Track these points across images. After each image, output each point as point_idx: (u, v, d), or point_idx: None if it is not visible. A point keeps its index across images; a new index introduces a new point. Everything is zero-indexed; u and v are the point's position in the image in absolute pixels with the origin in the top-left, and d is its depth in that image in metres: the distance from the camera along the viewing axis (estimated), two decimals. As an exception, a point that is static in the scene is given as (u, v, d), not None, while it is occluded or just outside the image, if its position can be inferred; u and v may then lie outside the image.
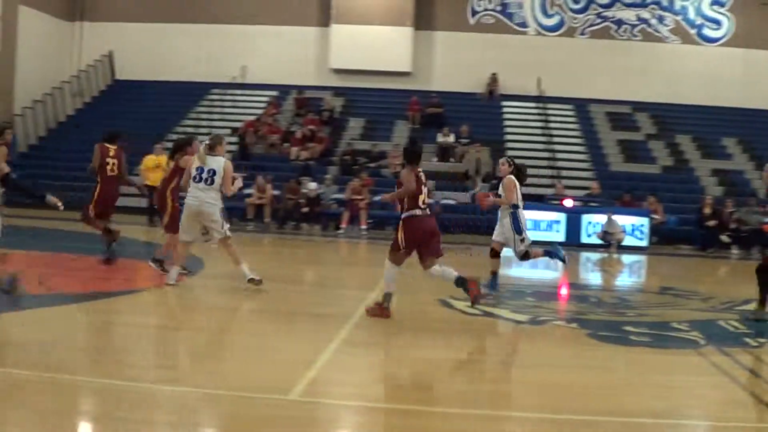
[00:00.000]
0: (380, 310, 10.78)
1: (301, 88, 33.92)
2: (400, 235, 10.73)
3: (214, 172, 12.23)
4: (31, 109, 32.73)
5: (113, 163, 14.66)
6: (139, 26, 36.79)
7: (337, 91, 34.62)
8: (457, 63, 34.91)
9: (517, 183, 13.35)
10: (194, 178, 12.27)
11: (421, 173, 10.95)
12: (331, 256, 13.05)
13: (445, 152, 29.30)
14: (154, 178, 22.92)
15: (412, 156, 11.11)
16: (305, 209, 24.38)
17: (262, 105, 33.73)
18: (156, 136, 30.09)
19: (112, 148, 14.80)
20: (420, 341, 9.83)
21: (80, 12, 38.09)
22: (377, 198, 22.99)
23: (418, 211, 10.75)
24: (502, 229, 13.45)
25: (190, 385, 7.52)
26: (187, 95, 34.56)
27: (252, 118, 32.21)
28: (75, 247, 14.92)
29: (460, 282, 10.85)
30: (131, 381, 7.55)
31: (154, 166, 23.12)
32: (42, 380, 7.47)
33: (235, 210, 24.24)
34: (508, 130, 32.42)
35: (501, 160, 13.91)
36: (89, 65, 36.92)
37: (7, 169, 14.21)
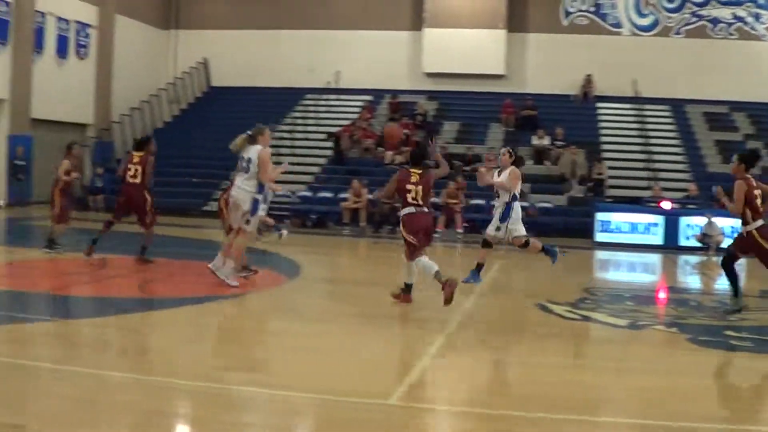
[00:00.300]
0: (404, 297, 11.76)
1: (394, 92, 33.96)
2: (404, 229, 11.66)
3: (250, 160, 12.54)
4: (128, 116, 33.37)
5: (135, 170, 15.06)
6: (233, 33, 37.26)
7: (431, 95, 34.58)
8: (550, 65, 34.58)
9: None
10: (237, 167, 12.67)
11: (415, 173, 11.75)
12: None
13: (540, 155, 29.08)
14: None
15: (412, 158, 12.25)
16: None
17: (357, 109, 33.87)
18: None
19: (136, 155, 15.25)
20: (518, 345, 9.78)
21: (175, 20, 38.76)
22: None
23: (412, 209, 11.66)
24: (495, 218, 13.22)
25: (289, 388, 7.56)
26: (281, 101, 34.87)
27: (346, 122, 32.36)
28: (176, 252, 15.19)
29: (438, 276, 11.25)
30: (229, 384, 7.66)
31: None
32: (140, 382, 7.64)
33: (330, 214, 24.42)
34: (604, 131, 32.02)
35: (502, 150, 13.75)
36: (185, 72, 37.53)
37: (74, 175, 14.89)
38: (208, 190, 28.41)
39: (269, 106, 34.39)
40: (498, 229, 12.90)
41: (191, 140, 32.11)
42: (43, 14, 30.37)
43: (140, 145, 15.58)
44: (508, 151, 13.50)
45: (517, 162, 13.26)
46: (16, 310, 11.25)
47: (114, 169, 30.16)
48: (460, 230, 23.88)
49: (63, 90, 31.35)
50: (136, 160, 15.15)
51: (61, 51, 31.73)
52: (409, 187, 11.79)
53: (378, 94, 34.82)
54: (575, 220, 24.66)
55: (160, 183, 26.24)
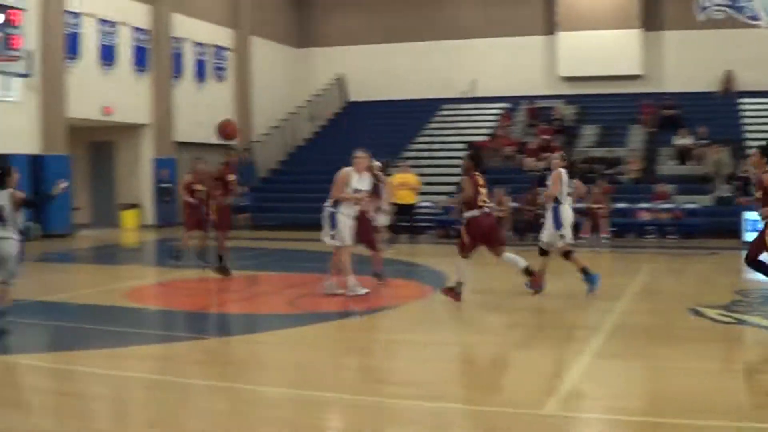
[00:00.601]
0: (452, 294, 12.30)
1: (531, 98, 33.67)
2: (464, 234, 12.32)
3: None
4: (269, 135, 33.97)
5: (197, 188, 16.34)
6: (367, 48, 37.57)
7: (568, 99, 34.11)
8: (688, 62, 33.73)
9: (565, 178, 13.28)
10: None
11: (479, 177, 12.39)
12: (573, 266, 12.89)
13: (683, 155, 28.38)
14: (401, 196, 23.29)
15: (472, 161, 12.76)
16: (544, 220, 24.07)
17: (494, 117, 33.70)
18: (391, 154, 30.64)
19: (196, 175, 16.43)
20: (672, 351, 9.51)
21: (309, 38, 39.33)
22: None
23: (476, 212, 12.21)
24: (546, 224, 13.46)
25: (442, 400, 7.55)
26: (418, 112, 34.94)
27: (484, 131, 32.26)
28: (322, 267, 15.31)
29: (527, 272, 12.52)
30: (381, 397, 7.66)
31: (400, 183, 23.45)
32: (293, 397, 7.72)
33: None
34: (748, 128, 31.03)
35: (554, 155, 13.97)
36: (322, 89, 38.02)
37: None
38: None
39: (406, 118, 34.51)
40: (562, 237, 13.16)
41: (330, 156, 32.42)
42: (180, 40, 31.20)
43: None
44: (561, 156, 13.76)
45: (571, 167, 13.48)
46: (169, 328, 11.56)
47: (257, 188, 30.82)
48: (605, 235, 23.46)
49: (203, 112, 32.11)
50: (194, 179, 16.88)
51: (200, 74, 32.55)
52: (480, 190, 12.40)
53: (515, 100, 34.52)
54: (722, 220, 23.92)
55: (301, 199, 26.64)
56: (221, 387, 8.13)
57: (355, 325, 11.29)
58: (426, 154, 30.38)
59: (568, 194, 13.48)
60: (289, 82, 38.24)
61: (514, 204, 24.51)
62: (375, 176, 14.08)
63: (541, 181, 25.28)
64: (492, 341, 10.27)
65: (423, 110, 34.99)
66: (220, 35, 33.57)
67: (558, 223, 13.15)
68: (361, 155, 13.47)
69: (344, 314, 11.95)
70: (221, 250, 15.48)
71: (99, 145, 30.30)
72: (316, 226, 16.29)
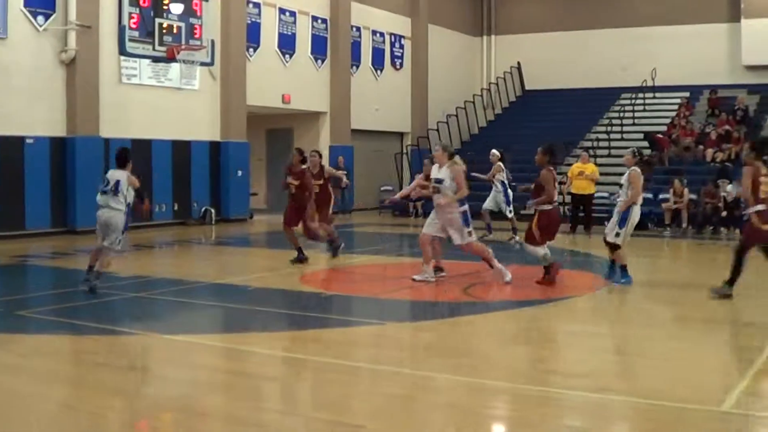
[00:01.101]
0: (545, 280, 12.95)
1: (712, 88, 32.54)
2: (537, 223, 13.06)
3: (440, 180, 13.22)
4: (445, 123, 33.97)
5: (293, 183, 15.64)
6: (546, 36, 37.17)
7: (751, 89, 32.81)
8: None
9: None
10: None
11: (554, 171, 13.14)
12: (754, 262, 12.30)
13: None
14: (579, 186, 22.95)
15: (551, 156, 13.55)
16: (724, 213, 23.29)
17: (673, 107, 32.73)
18: (567, 144, 30.20)
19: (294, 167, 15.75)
20: None
21: (487, 26, 39.18)
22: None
23: (550, 206, 13.11)
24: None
25: (613, 392, 7.38)
26: (596, 101, 34.35)
27: (663, 121, 31.42)
28: (499, 256, 15.23)
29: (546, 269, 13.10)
30: (551, 387, 7.53)
31: (578, 173, 23.10)
32: (462, 384, 7.66)
33: (651, 215, 23.70)
34: None
35: (627, 152, 14.27)
36: (498, 77, 37.80)
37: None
38: (526, 194, 28.35)
39: (583, 107, 33.98)
40: (617, 235, 13.32)
41: (506, 145, 32.20)
42: (358, 29, 31.53)
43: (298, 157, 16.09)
44: (632, 152, 13.96)
45: (644, 164, 13.91)
46: (341, 313, 11.68)
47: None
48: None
49: (380, 100, 32.42)
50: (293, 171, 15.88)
51: (377, 63, 32.81)
52: (556, 185, 13.45)
53: (695, 90, 33.47)
54: None
55: (476, 187, 26.49)
56: (391, 372, 8.15)
57: (526, 315, 11.14)
58: (604, 144, 29.75)
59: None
60: (465, 71, 38.23)
61: (693, 196, 23.74)
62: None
63: (721, 173, 24.56)
64: (662, 335, 9.95)
65: (601, 99, 34.38)
66: (397, 24, 33.78)
67: (622, 223, 13.39)
68: (436, 150, 13.61)
69: (516, 304, 11.82)
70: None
71: (277, 132, 30.95)
72: (493, 215, 16.24)
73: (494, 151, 20.84)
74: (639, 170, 13.49)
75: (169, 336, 9.78)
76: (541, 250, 13.06)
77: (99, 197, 12.56)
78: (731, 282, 11.71)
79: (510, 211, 20.43)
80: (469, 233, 13.16)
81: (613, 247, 13.42)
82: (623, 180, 13.60)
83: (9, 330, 9.91)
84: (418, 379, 7.86)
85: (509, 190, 20.56)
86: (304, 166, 15.72)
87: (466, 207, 13.18)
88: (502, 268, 13.33)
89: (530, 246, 13.13)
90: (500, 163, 20.45)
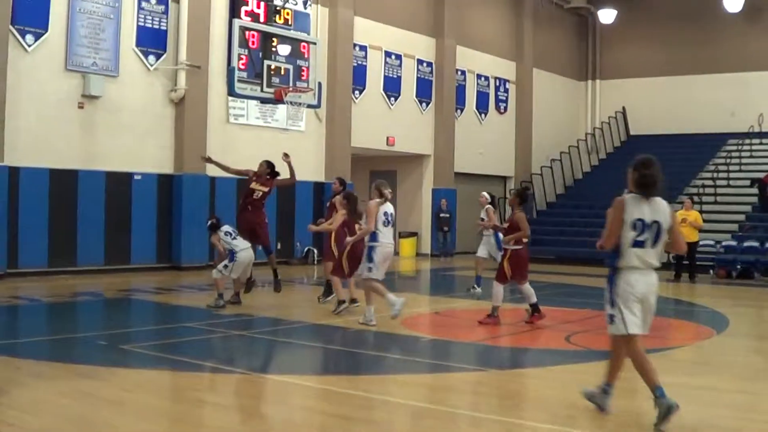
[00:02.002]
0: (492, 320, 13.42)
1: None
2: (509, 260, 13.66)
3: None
4: (548, 167, 33.75)
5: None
6: (651, 80, 36.78)
7: None
8: None
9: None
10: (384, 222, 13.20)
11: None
12: None
13: None
14: (682, 233, 22.51)
15: (521, 199, 14.01)
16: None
17: (782, 153, 32.03)
18: (672, 189, 29.73)
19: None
20: None
21: (592, 71, 38.94)
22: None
23: (520, 246, 13.67)
24: None
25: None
26: (702, 147, 33.77)
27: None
28: (601, 304, 15.01)
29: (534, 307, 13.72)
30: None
31: (681, 220, 22.69)
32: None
33: (757, 264, 23.12)
34: None
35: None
36: (603, 122, 37.47)
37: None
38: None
39: (689, 153, 33.42)
40: None
41: (610, 190, 31.79)
42: (463, 72, 31.61)
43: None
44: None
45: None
46: (441, 358, 11.58)
47: (535, 221, 30.63)
48: None
49: (483, 144, 32.38)
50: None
51: (482, 107, 32.83)
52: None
53: (804, 135, 32.74)
54: None
55: (582, 233, 26.24)
56: (489, 419, 8.04)
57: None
58: (710, 190, 29.18)
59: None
60: (570, 115, 38.02)
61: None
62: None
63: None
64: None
65: (707, 145, 33.83)
66: (502, 68, 33.79)
67: None
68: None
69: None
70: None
71: (381, 174, 31.09)
72: (594, 261, 15.97)
73: (484, 193, 18.87)
74: None
75: (268, 375, 9.82)
76: (499, 292, 13.63)
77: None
78: None
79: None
80: (369, 269, 13.17)
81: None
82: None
83: (112, 364, 10.06)
84: (515, 427, 7.73)
85: (501, 236, 18.94)
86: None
87: (374, 244, 13.12)
88: (395, 300, 13.12)
89: (498, 286, 13.63)
90: (491, 206, 18.56)
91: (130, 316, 15.28)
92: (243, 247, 14.67)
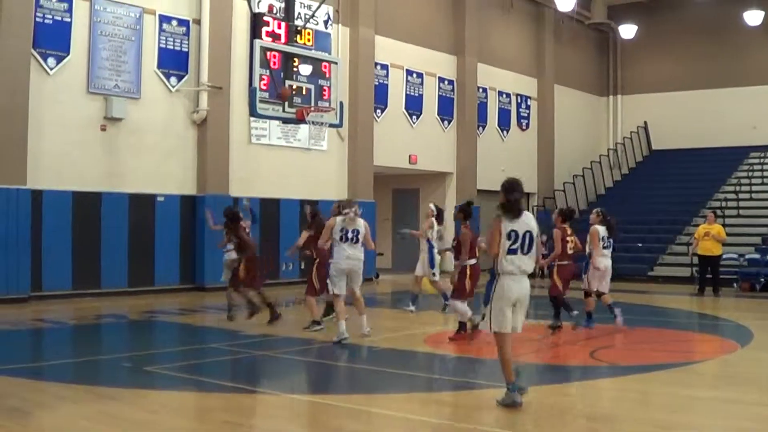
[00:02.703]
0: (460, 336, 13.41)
1: None
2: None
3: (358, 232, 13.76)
4: (571, 183, 33.68)
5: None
6: (673, 95, 36.66)
7: None
8: None
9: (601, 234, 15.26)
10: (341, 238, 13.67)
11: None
12: None
13: None
14: (705, 247, 22.46)
15: (465, 214, 14.56)
16: None
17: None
18: (695, 204, 29.64)
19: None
20: None
21: (613, 86, 38.87)
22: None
23: (475, 260, 13.87)
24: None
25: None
26: (724, 161, 33.65)
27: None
28: (626, 319, 15.00)
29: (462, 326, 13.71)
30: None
31: (704, 234, 22.58)
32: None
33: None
34: None
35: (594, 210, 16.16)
36: (625, 137, 37.39)
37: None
38: (653, 255, 27.92)
39: (711, 167, 33.34)
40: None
41: (633, 205, 31.79)
42: (485, 89, 31.61)
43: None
44: (597, 212, 15.87)
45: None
46: (463, 375, 11.55)
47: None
48: None
49: (506, 161, 32.31)
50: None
51: (503, 123, 32.81)
52: (568, 239, 14.90)
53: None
54: None
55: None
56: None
57: (656, 379, 10.83)
58: (732, 204, 29.03)
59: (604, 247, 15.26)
60: (592, 131, 37.96)
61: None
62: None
63: None
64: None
65: (729, 158, 33.71)
66: (523, 84, 33.78)
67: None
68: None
69: (644, 368, 11.51)
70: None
71: (403, 192, 31.10)
72: (619, 275, 15.94)
73: (431, 205, 18.78)
74: (598, 228, 15.34)
75: (294, 395, 9.81)
76: (464, 307, 13.80)
77: None
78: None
79: (434, 274, 18.07)
80: (328, 284, 13.99)
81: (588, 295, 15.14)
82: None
83: (138, 385, 10.08)
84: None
85: (435, 251, 18.20)
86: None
87: (331, 260, 13.85)
88: (342, 330, 13.29)
89: (458, 302, 13.83)
90: (434, 219, 18.24)
91: (154, 338, 15.31)
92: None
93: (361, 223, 13.85)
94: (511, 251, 8.82)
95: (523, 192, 9.20)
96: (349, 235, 13.63)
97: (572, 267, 15.02)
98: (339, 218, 13.74)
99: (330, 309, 15.31)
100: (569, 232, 15.04)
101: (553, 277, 14.91)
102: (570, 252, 14.90)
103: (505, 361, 8.96)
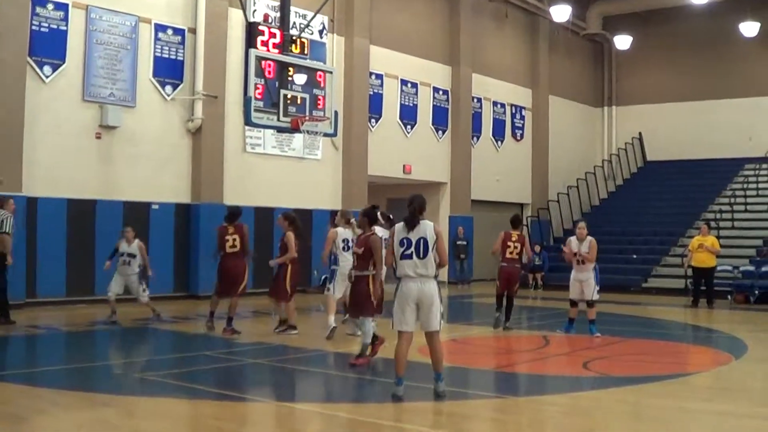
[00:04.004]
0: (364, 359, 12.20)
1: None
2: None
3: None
4: (565, 194, 33.72)
5: (232, 240, 15.45)
6: (668, 106, 36.78)
7: None
8: None
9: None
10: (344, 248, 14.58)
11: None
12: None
13: None
14: (699, 259, 22.49)
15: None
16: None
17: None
18: (689, 215, 29.69)
19: (230, 227, 15.56)
20: None
21: (608, 97, 38.96)
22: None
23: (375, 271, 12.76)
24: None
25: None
26: (719, 172, 33.75)
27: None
28: (619, 330, 15.06)
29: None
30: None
31: (698, 246, 22.61)
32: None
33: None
34: None
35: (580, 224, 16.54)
36: (620, 148, 37.47)
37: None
38: (647, 267, 27.97)
39: (706, 178, 33.42)
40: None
41: (628, 216, 31.86)
42: (479, 100, 31.67)
43: (231, 217, 15.87)
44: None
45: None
46: (457, 385, 11.54)
47: (550, 248, 30.57)
48: None
49: (500, 171, 32.40)
50: (231, 231, 15.59)
51: (498, 134, 32.87)
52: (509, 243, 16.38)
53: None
54: None
55: (600, 260, 26.18)
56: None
57: (650, 392, 10.85)
58: (727, 215, 29.09)
59: None
60: (586, 141, 38.05)
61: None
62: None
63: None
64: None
65: (724, 170, 33.80)
66: (518, 95, 33.86)
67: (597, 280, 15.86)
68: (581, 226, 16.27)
69: (637, 379, 11.53)
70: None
71: (398, 202, 31.08)
72: (613, 287, 16.01)
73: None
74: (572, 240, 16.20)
75: (285, 403, 9.81)
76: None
77: None
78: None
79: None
80: (328, 288, 15.15)
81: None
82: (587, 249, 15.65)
83: (131, 392, 10.09)
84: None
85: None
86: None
87: (335, 267, 14.97)
88: (331, 322, 14.53)
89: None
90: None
91: (147, 345, 15.31)
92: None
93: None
94: (405, 256, 9.71)
95: (421, 205, 9.99)
96: (350, 244, 14.11)
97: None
98: (340, 229, 14.64)
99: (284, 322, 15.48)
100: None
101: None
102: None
103: (398, 356, 9.90)
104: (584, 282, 15.76)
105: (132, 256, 16.89)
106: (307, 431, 8.62)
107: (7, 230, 16.43)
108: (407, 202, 9.99)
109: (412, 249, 9.69)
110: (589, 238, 15.84)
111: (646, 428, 8.92)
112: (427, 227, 9.81)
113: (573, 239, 16.04)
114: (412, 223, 9.79)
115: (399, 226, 9.92)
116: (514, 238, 16.49)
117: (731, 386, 11.56)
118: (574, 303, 15.95)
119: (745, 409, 9.84)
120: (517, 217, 17.76)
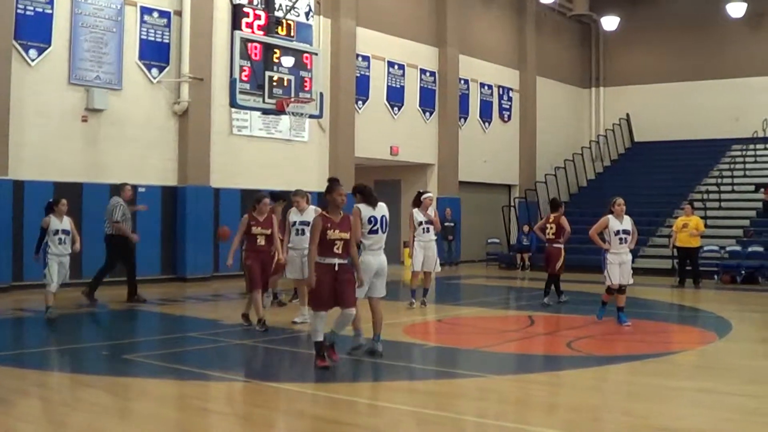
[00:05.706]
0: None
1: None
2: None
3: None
4: (553, 175, 33.76)
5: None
6: (654, 87, 36.82)
7: None
8: None
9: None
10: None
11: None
12: None
13: None
14: (682, 239, 22.59)
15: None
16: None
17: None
18: (677, 195, 29.76)
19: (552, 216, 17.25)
20: None
21: (596, 78, 38.98)
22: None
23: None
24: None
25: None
26: (706, 153, 33.83)
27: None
28: (606, 311, 15.09)
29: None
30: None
31: (682, 226, 22.69)
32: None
33: (762, 269, 23.14)
34: None
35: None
36: (607, 129, 37.53)
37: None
38: (635, 247, 27.99)
39: (693, 159, 33.49)
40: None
41: (615, 197, 31.90)
42: (466, 81, 31.67)
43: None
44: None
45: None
46: (443, 364, 11.61)
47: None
48: None
49: (488, 153, 32.43)
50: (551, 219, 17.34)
51: (485, 115, 32.88)
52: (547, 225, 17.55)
53: (809, 141, 32.73)
54: None
55: (587, 240, 26.26)
56: (493, 425, 8.06)
57: (634, 370, 10.92)
58: (714, 196, 29.19)
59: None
60: (574, 123, 38.08)
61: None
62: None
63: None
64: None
65: (711, 151, 33.90)
66: (505, 76, 33.86)
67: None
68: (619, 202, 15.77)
69: (622, 358, 11.61)
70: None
71: (385, 183, 31.13)
72: (598, 268, 16.06)
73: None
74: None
75: (273, 384, 9.84)
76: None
77: None
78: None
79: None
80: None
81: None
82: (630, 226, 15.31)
83: (116, 374, 10.12)
84: (519, 432, 7.76)
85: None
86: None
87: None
88: (304, 312, 13.91)
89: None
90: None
91: (134, 327, 15.34)
92: None
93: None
94: (373, 231, 11.23)
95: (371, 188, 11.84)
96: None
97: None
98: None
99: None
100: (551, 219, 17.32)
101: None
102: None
103: (360, 317, 11.21)
104: (625, 264, 14.84)
105: (66, 233, 15.16)
106: (289, 410, 8.64)
107: (117, 218, 17.22)
108: (359, 189, 11.70)
109: (378, 225, 11.28)
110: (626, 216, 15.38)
111: (629, 404, 8.98)
112: (384, 208, 11.48)
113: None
114: (375, 203, 11.38)
115: (362, 206, 11.38)
116: (551, 220, 17.83)
117: (715, 364, 11.62)
118: (612, 290, 14.72)
119: (727, 387, 9.90)
120: (554, 200, 19.02)
